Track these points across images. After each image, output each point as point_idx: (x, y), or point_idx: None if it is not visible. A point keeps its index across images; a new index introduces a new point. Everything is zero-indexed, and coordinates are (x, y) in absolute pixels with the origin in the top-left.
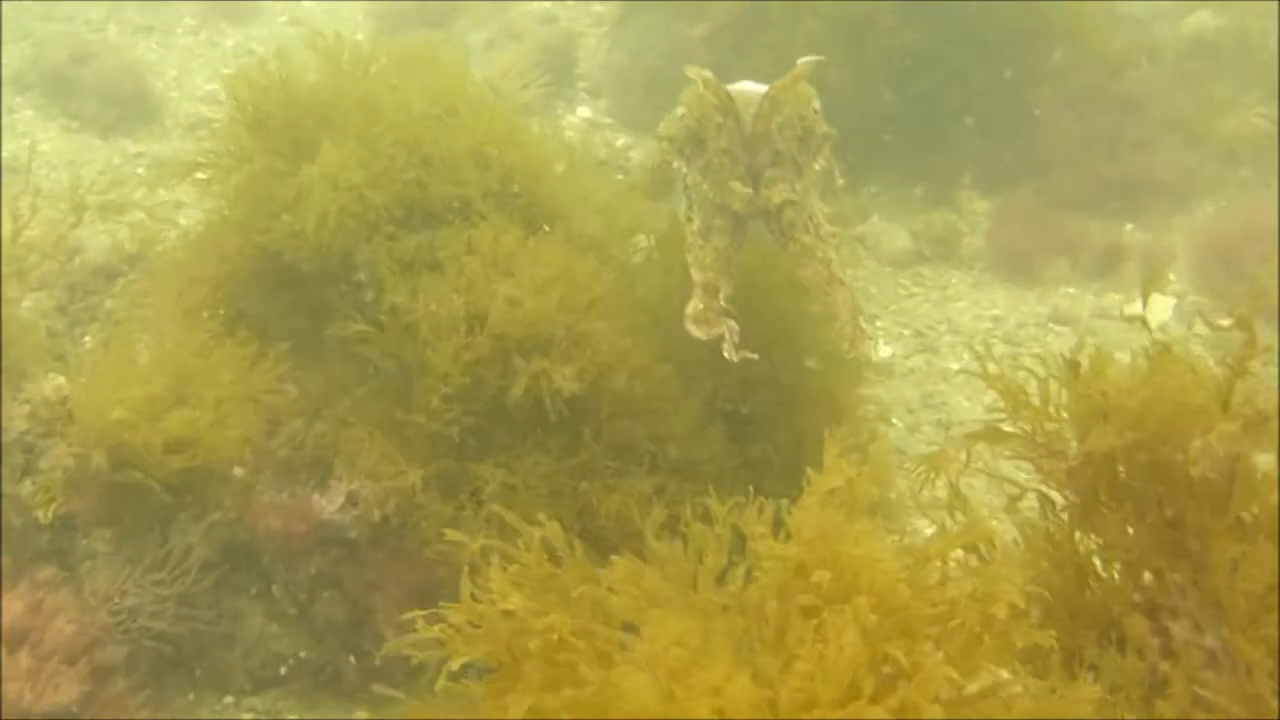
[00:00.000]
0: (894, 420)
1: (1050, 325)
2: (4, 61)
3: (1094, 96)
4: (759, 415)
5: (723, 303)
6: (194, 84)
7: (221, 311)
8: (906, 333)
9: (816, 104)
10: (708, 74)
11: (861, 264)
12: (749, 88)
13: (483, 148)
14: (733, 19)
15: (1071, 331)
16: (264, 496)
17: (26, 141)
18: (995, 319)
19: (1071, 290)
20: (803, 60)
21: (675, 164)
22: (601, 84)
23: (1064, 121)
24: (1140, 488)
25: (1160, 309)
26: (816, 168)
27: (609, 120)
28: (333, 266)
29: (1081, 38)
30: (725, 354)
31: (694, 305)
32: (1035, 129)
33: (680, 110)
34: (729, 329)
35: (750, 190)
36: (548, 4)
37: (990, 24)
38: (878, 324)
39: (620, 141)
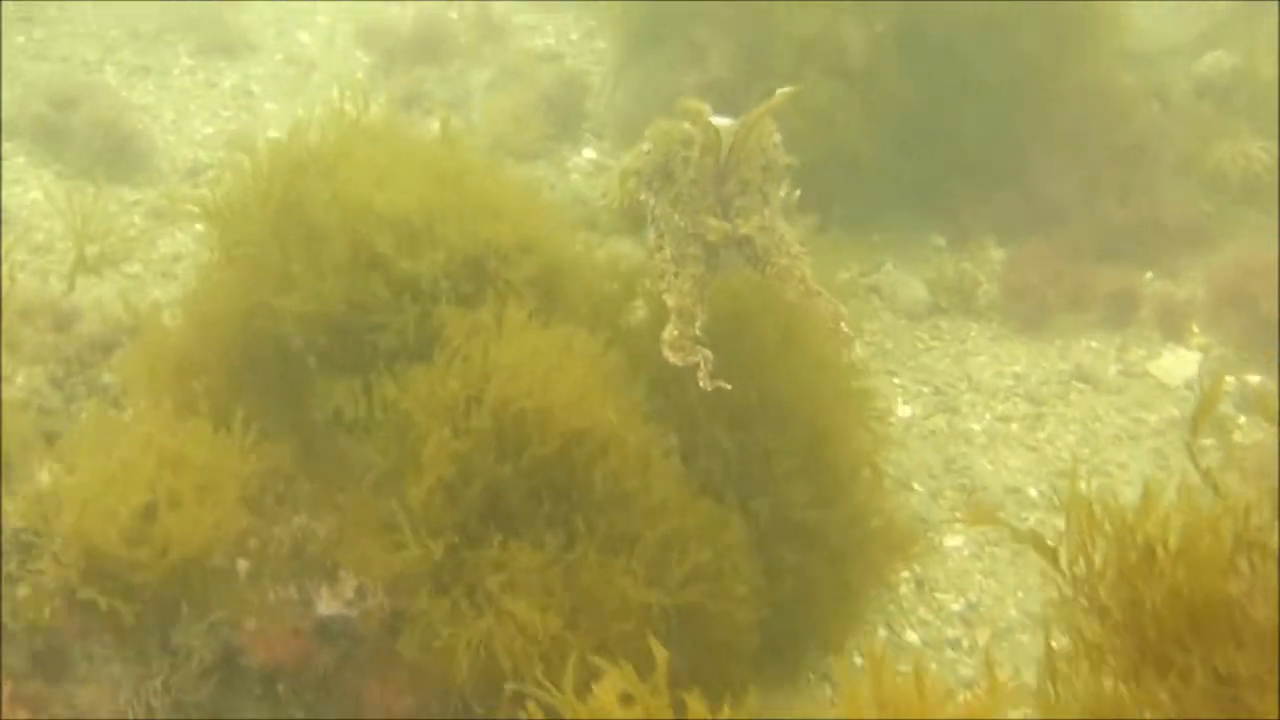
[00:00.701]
0: (915, 485)
1: (1074, 383)
2: None
3: (1105, 140)
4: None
5: (698, 331)
6: (192, 127)
7: (217, 393)
8: (926, 390)
9: (777, 137)
10: (704, 107)
11: (877, 316)
12: (714, 121)
13: (487, 239)
14: (729, 68)
15: (1095, 390)
16: (268, 593)
17: (18, 189)
18: (1016, 376)
19: (1093, 344)
20: (781, 91)
21: (643, 197)
22: (607, 124)
23: (1075, 167)
24: (1186, 640)
25: (1185, 365)
26: (781, 194)
27: (615, 162)
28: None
29: (1092, 81)
30: (700, 383)
31: (670, 332)
32: (1046, 175)
33: (646, 146)
34: (704, 358)
35: (725, 224)
36: (550, 40)
37: (998, 71)
38: (895, 381)
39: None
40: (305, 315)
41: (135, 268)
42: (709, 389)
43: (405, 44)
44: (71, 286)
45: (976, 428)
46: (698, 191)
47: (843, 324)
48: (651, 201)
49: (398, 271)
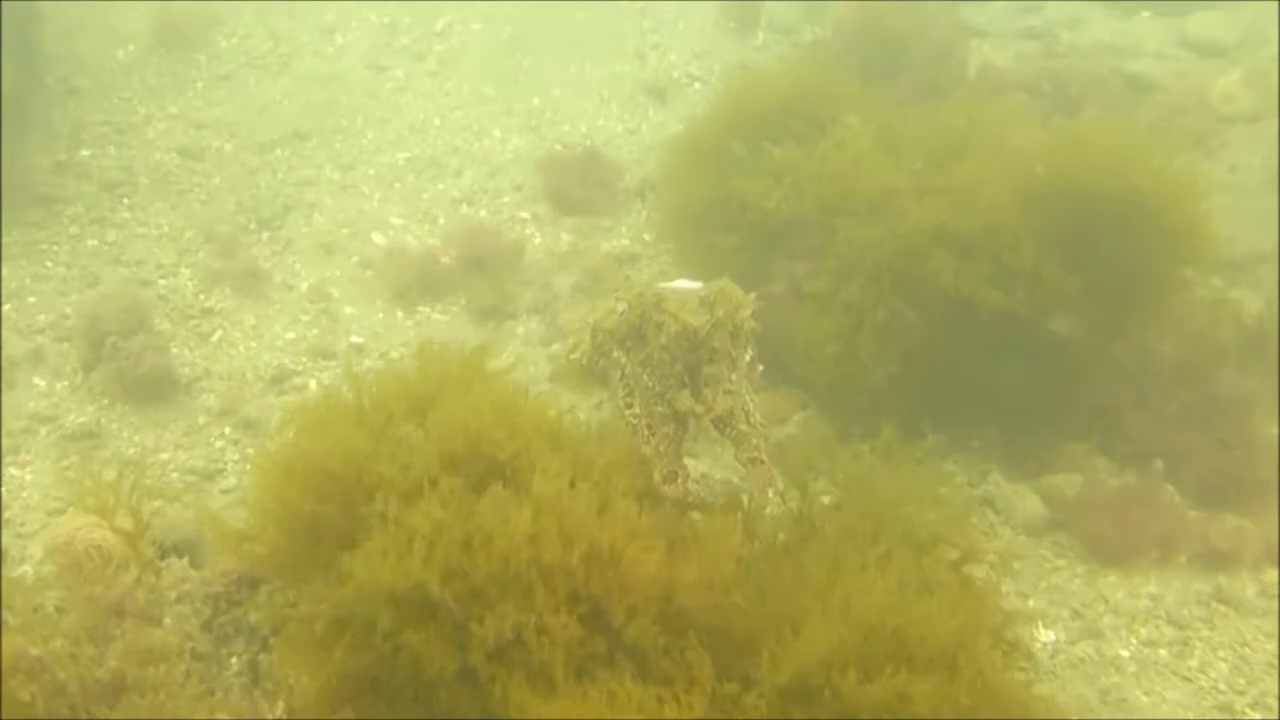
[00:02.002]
0: None
1: (1214, 604)
2: (72, 313)
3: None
4: None
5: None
6: (273, 332)
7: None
8: (1064, 613)
9: (748, 309)
10: (636, 284)
11: (995, 532)
12: (684, 285)
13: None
14: (759, 234)
15: (1238, 613)
16: None
17: (104, 402)
18: (1152, 596)
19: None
20: (753, 295)
21: (615, 354)
22: None
23: (1161, 400)
24: None
25: None
26: (746, 358)
27: None
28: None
29: (1182, 321)
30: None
31: (659, 476)
32: (1134, 401)
33: (621, 306)
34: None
35: (695, 403)
36: (625, 242)
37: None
38: (1030, 603)
39: None
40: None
41: (231, 479)
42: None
43: (486, 245)
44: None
45: (1124, 654)
46: (668, 356)
47: (771, 492)
48: (623, 359)
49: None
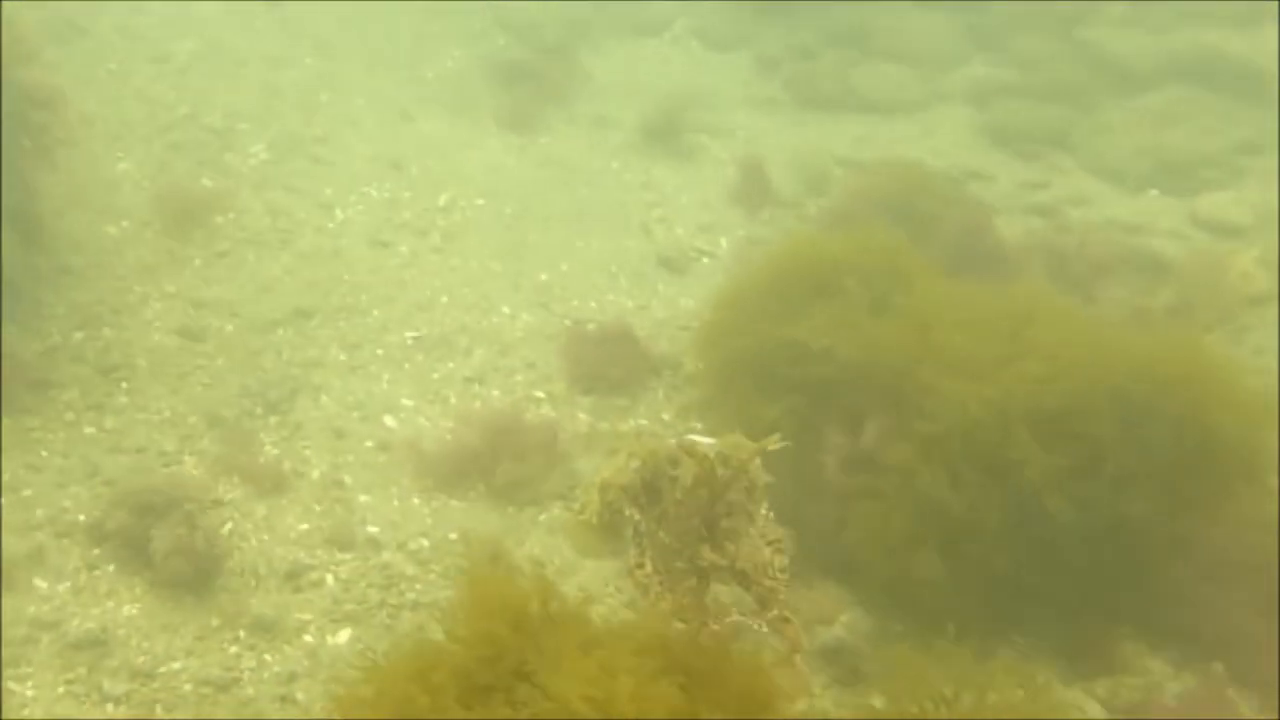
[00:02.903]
0: None
1: None
2: (71, 506)
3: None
4: None
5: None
6: (285, 523)
7: None
8: None
9: (759, 461)
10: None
11: None
12: (696, 440)
13: None
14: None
15: None
16: None
17: (110, 604)
18: None
19: None
20: (773, 441)
21: (628, 512)
22: None
23: (1230, 591)
24: None
25: None
26: (763, 512)
27: None
28: None
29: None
30: None
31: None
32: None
33: (635, 463)
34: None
35: (719, 557)
36: (643, 421)
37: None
38: None
39: None
40: None
41: (248, 690)
42: None
43: (502, 427)
44: None
45: None
46: (685, 511)
47: (798, 658)
48: (636, 516)
49: None
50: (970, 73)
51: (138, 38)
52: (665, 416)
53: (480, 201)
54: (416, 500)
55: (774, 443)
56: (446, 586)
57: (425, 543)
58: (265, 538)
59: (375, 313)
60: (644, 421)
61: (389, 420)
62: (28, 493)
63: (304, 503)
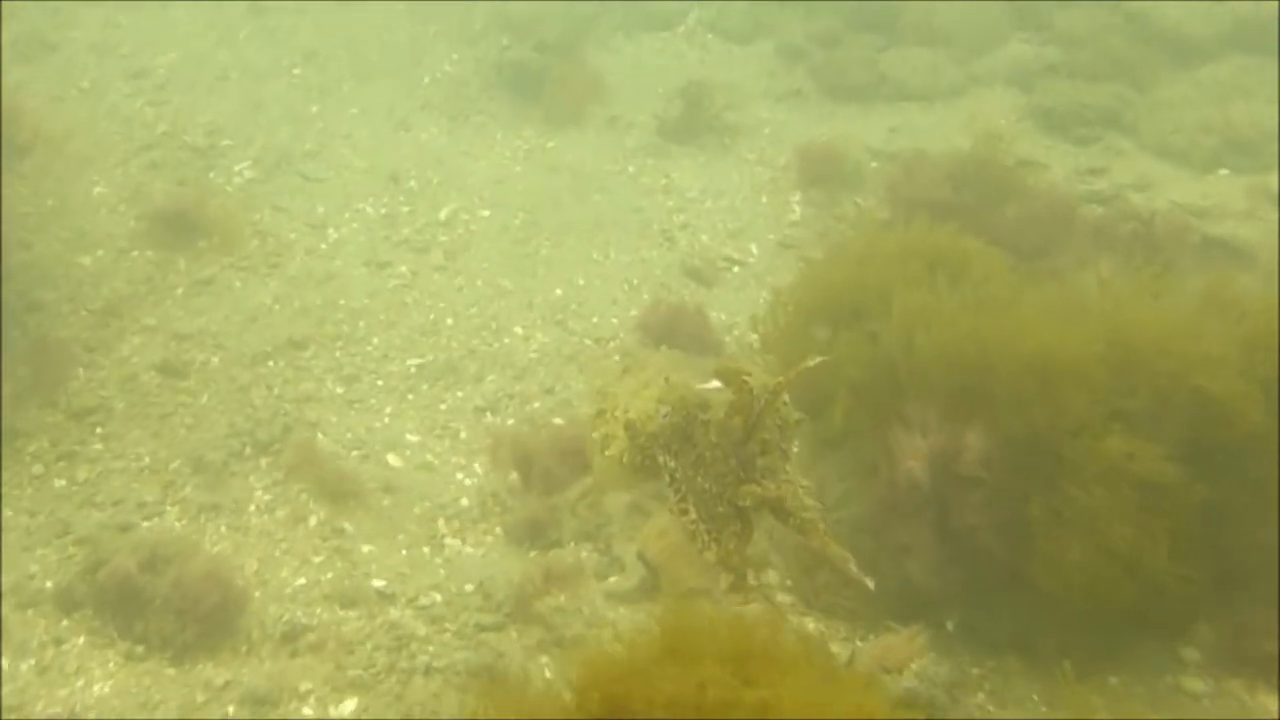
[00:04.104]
0: None
1: None
2: (38, 571)
3: None
4: None
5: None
6: (280, 578)
7: None
8: None
9: (786, 396)
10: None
11: None
12: (718, 386)
13: None
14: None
15: None
16: None
17: (79, 683)
18: None
19: None
20: (814, 360)
21: (662, 459)
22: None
23: None
24: None
25: None
26: (794, 449)
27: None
28: None
29: None
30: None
31: (723, 581)
32: None
33: (664, 409)
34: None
35: (758, 488)
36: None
37: None
38: None
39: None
40: None
41: None
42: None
43: (518, 459)
44: None
45: None
46: (720, 454)
47: (851, 566)
48: (671, 464)
49: None
50: (1010, 53)
51: (111, 53)
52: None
53: (486, 213)
54: (426, 549)
55: (813, 360)
56: (463, 647)
57: (438, 597)
58: (257, 595)
59: (374, 340)
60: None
61: (392, 459)
62: None
63: (300, 554)
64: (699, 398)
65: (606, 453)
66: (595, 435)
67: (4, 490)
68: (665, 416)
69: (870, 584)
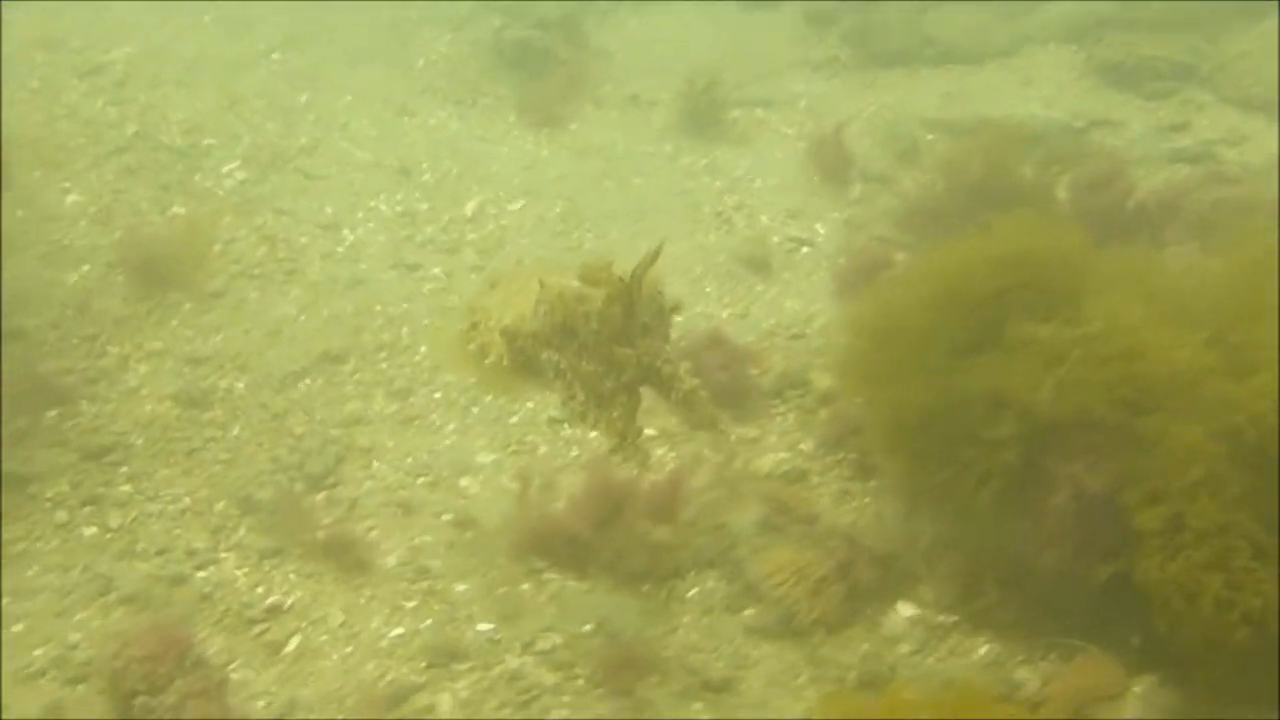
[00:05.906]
0: None
1: None
2: (81, 639)
3: None
4: None
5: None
6: (370, 628)
7: None
8: None
9: (661, 286)
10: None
11: None
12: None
13: None
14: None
15: None
16: None
17: None
18: None
19: None
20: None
21: (545, 355)
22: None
23: None
24: None
25: None
26: (670, 331)
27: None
28: None
29: None
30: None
31: (610, 447)
32: None
33: (543, 308)
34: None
35: (635, 351)
36: (783, 454)
37: None
38: None
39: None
40: None
41: None
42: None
43: (613, 478)
44: None
45: None
46: (602, 340)
47: (720, 426)
48: (555, 357)
49: None
50: (1061, 8)
51: (58, 48)
52: (804, 447)
53: (516, 205)
54: (526, 586)
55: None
56: (602, 698)
57: (557, 639)
58: (348, 651)
59: (423, 348)
60: (783, 454)
61: (466, 483)
62: (18, 628)
63: (389, 600)
64: (576, 293)
65: (486, 361)
66: (471, 348)
67: (25, 546)
68: (545, 315)
69: None
